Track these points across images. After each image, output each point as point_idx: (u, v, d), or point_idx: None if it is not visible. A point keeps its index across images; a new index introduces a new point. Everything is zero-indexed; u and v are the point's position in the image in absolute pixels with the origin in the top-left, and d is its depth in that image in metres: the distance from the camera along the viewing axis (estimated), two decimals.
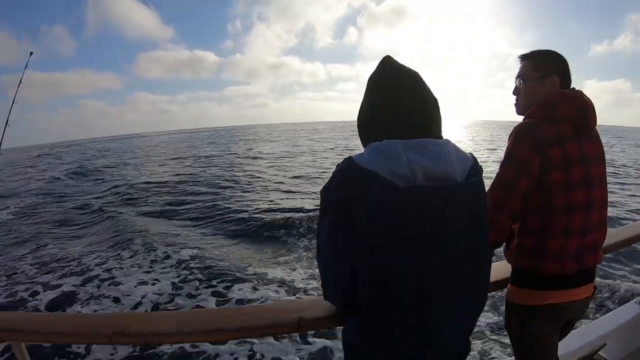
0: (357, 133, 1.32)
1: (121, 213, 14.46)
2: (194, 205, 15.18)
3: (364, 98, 1.30)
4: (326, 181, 1.22)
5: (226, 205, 14.66)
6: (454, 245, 1.15)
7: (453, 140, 1.21)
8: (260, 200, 15.70)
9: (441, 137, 1.22)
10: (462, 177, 1.16)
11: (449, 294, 1.18)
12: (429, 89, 1.25)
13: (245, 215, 13.08)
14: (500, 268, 1.77)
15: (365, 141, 1.27)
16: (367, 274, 1.17)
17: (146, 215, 14.21)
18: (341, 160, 1.19)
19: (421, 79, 1.25)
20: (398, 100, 1.21)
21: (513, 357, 1.85)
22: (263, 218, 12.36)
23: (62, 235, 12.39)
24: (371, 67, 1.31)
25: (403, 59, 1.28)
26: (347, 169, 1.14)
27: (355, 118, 1.32)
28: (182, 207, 15.12)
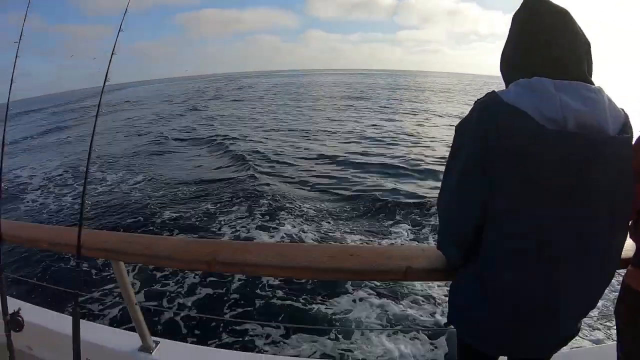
0: None
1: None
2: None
3: (510, 34, 1.19)
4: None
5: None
6: (595, 204, 1.06)
7: None
8: None
9: (593, 83, 1.10)
10: (615, 131, 1.05)
11: (583, 259, 1.10)
12: (580, 28, 1.14)
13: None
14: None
15: (509, 79, 1.17)
16: (499, 224, 1.10)
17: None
18: (483, 95, 1.11)
19: (572, 17, 1.13)
20: (549, 39, 1.10)
21: (615, 343, 1.65)
22: None
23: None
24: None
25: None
26: (491, 103, 1.07)
27: None
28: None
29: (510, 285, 1.12)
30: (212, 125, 23.26)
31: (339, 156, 14.53)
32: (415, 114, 27.93)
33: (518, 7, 1.18)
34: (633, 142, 1.12)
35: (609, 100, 1.07)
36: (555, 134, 0.99)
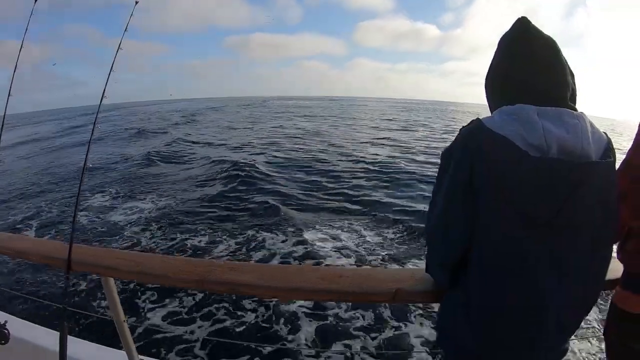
0: None
1: None
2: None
3: (494, 59, 1.22)
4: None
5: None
6: (577, 230, 1.08)
7: None
8: None
9: (576, 110, 1.12)
10: (598, 156, 1.08)
11: (566, 283, 1.12)
12: (564, 57, 1.16)
13: None
14: (611, 267, 1.56)
15: (493, 105, 1.20)
16: (482, 249, 1.12)
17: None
18: (467, 123, 1.14)
19: (557, 45, 1.16)
20: (532, 67, 1.12)
21: None
22: None
23: None
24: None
25: None
26: (475, 131, 1.09)
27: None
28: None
29: (492, 310, 1.14)
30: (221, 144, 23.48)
31: (336, 173, 14.68)
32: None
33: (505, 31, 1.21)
34: (617, 166, 1.14)
35: (592, 125, 1.09)
36: (538, 160, 1.01)
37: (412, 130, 33.66)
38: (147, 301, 5.55)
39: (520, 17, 1.19)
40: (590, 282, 1.18)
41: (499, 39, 1.22)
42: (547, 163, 1.01)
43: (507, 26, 1.21)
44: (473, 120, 1.12)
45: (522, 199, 1.03)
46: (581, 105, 1.17)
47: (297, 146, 21.54)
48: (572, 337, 1.25)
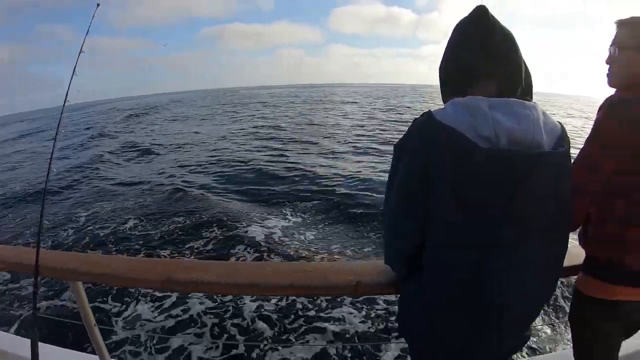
0: None
1: None
2: None
3: (447, 48, 1.21)
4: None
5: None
6: (531, 220, 1.08)
7: None
8: None
9: (529, 101, 1.13)
10: (550, 146, 1.07)
11: (521, 272, 1.12)
12: (519, 49, 1.16)
13: None
14: (572, 253, 1.62)
15: (445, 95, 1.20)
16: (436, 241, 1.13)
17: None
18: (419, 115, 1.12)
19: (513, 37, 1.15)
20: (485, 58, 1.12)
21: (571, 349, 1.73)
22: None
23: None
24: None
25: None
26: (427, 124, 1.07)
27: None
28: None
29: (447, 301, 1.15)
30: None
31: (299, 166, 14.67)
32: None
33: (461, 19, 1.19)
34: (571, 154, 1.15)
35: (544, 114, 1.10)
36: (487, 151, 1.00)
37: (375, 117, 33.69)
38: (117, 304, 5.48)
39: (478, 4, 1.18)
40: (545, 271, 1.19)
41: (455, 25, 1.21)
42: (497, 154, 1.01)
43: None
44: (424, 112, 1.10)
45: (472, 191, 1.04)
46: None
47: (253, 141, 21.50)
48: (540, 323, 1.30)
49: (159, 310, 5.38)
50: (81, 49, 1.75)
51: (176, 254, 7.39)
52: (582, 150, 1.47)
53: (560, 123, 1.14)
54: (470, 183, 1.03)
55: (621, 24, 1.47)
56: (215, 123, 33.49)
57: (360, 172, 13.62)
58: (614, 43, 1.49)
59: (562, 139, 1.11)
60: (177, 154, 19.24)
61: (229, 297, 5.52)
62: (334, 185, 12.03)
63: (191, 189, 12.20)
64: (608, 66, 1.53)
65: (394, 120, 29.28)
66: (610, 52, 1.51)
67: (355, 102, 53.09)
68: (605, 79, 1.54)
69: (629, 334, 1.64)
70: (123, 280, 1.62)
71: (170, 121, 36.52)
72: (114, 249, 7.69)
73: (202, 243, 7.91)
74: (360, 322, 5.11)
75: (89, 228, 9.00)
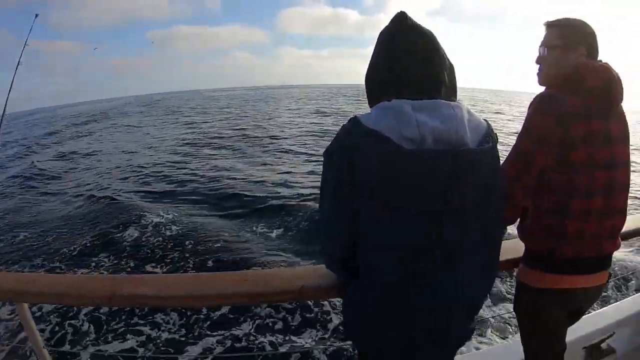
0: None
1: None
2: None
3: (373, 56, 1.22)
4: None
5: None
6: (463, 217, 1.10)
7: None
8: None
9: (454, 100, 1.15)
10: (475, 143, 1.10)
11: (458, 269, 1.15)
12: (442, 50, 1.18)
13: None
14: (512, 246, 1.71)
15: (372, 101, 1.21)
16: (369, 245, 1.15)
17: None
18: (347, 121, 1.13)
19: (435, 39, 1.17)
20: (409, 61, 1.13)
21: (519, 338, 1.81)
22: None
23: None
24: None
25: None
26: (352, 129, 1.09)
27: None
28: None
29: (386, 300, 1.17)
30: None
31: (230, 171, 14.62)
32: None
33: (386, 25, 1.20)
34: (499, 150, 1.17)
35: (470, 113, 1.12)
36: (413, 152, 1.02)
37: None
38: (66, 324, 5.26)
39: (398, 11, 1.19)
40: (483, 266, 1.21)
41: (378, 35, 1.22)
42: (422, 154, 1.02)
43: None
44: (350, 118, 1.11)
45: (400, 193, 1.04)
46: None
47: (184, 148, 21.31)
48: (488, 314, 1.36)
49: (109, 328, 5.23)
50: (19, 61, 1.73)
51: (120, 269, 7.15)
52: (514, 146, 1.54)
53: (486, 120, 1.17)
54: (397, 185, 1.04)
55: (550, 26, 1.57)
56: (147, 131, 32.30)
57: (296, 176, 13.74)
58: (543, 44, 1.58)
59: (488, 135, 1.13)
60: (113, 163, 18.45)
61: (178, 311, 5.45)
62: (272, 191, 11.98)
63: (125, 199, 11.73)
64: (538, 66, 1.61)
65: (332, 124, 29.31)
66: (540, 53, 1.59)
67: (297, 105, 53.17)
68: (536, 78, 1.62)
69: (572, 320, 1.73)
70: (69, 298, 1.57)
71: (108, 129, 35.14)
72: (58, 267, 7.29)
73: (145, 256, 7.71)
74: (305, 328, 5.22)
75: (26, 245, 8.54)
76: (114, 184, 13.95)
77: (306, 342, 4.94)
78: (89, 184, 14.28)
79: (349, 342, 1.45)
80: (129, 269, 7.13)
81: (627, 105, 1.53)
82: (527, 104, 1.54)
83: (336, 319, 5.28)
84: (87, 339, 5.05)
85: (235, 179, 13.78)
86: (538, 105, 1.50)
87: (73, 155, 21.08)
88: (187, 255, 7.73)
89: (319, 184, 1.25)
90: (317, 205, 1.30)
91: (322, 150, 1.20)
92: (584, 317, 1.75)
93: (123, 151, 21.56)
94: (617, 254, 1.67)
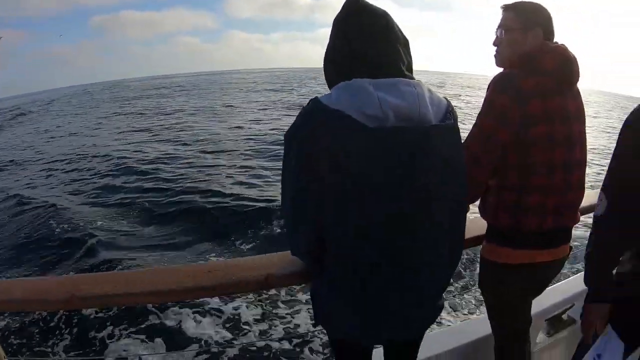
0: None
1: None
2: None
3: (330, 38, 1.23)
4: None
5: None
6: (426, 193, 1.12)
7: None
8: None
9: (412, 78, 1.16)
10: (437, 119, 1.12)
11: (421, 247, 1.17)
12: (398, 28, 1.19)
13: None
14: (474, 224, 1.75)
15: (331, 83, 1.21)
16: (334, 226, 1.15)
17: None
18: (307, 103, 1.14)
19: (390, 18, 1.18)
20: (365, 40, 1.14)
21: (486, 314, 1.86)
22: None
23: None
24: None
25: None
26: (313, 110, 1.09)
27: None
28: None
29: (355, 281, 1.17)
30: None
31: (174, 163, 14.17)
32: None
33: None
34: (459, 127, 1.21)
35: (430, 91, 1.14)
36: (376, 130, 1.03)
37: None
38: (28, 332, 4.99)
39: None
40: (449, 242, 1.24)
41: (333, 20, 1.23)
42: (386, 131, 1.04)
43: None
44: (311, 99, 1.12)
45: (366, 170, 1.06)
46: None
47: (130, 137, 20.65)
48: (455, 292, 1.36)
49: (71, 332, 5.03)
50: None
51: (77, 269, 6.84)
52: (475, 124, 1.57)
53: (446, 98, 1.20)
54: (362, 163, 1.06)
55: (507, 8, 1.59)
56: (90, 122, 30.89)
57: (252, 167, 13.05)
58: (500, 26, 1.61)
59: (450, 112, 1.17)
60: (50, 162, 17.15)
61: (146, 307, 5.25)
62: (226, 185, 11.44)
63: (65, 201, 11.00)
64: (495, 48, 1.64)
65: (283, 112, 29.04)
66: (497, 35, 1.63)
67: (242, 91, 52.41)
68: (494, 60, 1.66)
69: (536, 293, 1.78)
70: (23, 303, 1.47)
71: (47, 121, 33.81)
72: (6, 272, 6.88)
73: (101, 253, 7.40)
74: (275, 317, 5.20)
75: None
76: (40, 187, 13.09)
77: (276, 332, 4.93)
78: (27, 185, 13.39)
79: (320, 328, 1.42)
80: (88, 268, 6.82)
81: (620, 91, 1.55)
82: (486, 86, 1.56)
83: (305, 306, 5.28)
84: (49, 344, 4.85)
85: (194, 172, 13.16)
86: (497, 84, 1.53)
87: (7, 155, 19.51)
88: (143, 249, 7.58)
89: (265, 171, 1.21)
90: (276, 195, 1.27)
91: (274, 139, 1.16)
92: (546, 290, 1.80)
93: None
94: (577, 229, 1.72)
